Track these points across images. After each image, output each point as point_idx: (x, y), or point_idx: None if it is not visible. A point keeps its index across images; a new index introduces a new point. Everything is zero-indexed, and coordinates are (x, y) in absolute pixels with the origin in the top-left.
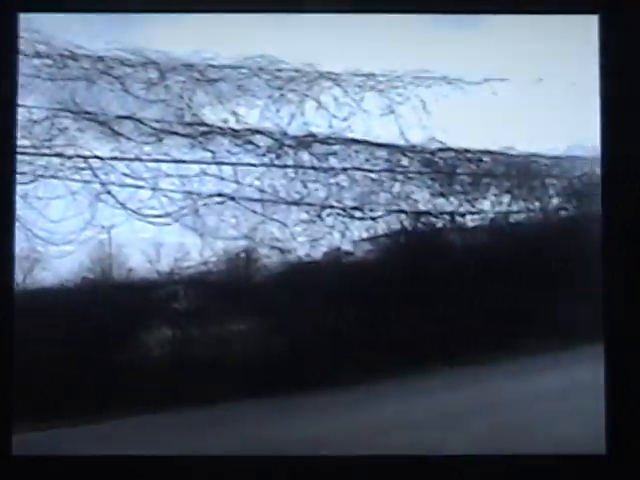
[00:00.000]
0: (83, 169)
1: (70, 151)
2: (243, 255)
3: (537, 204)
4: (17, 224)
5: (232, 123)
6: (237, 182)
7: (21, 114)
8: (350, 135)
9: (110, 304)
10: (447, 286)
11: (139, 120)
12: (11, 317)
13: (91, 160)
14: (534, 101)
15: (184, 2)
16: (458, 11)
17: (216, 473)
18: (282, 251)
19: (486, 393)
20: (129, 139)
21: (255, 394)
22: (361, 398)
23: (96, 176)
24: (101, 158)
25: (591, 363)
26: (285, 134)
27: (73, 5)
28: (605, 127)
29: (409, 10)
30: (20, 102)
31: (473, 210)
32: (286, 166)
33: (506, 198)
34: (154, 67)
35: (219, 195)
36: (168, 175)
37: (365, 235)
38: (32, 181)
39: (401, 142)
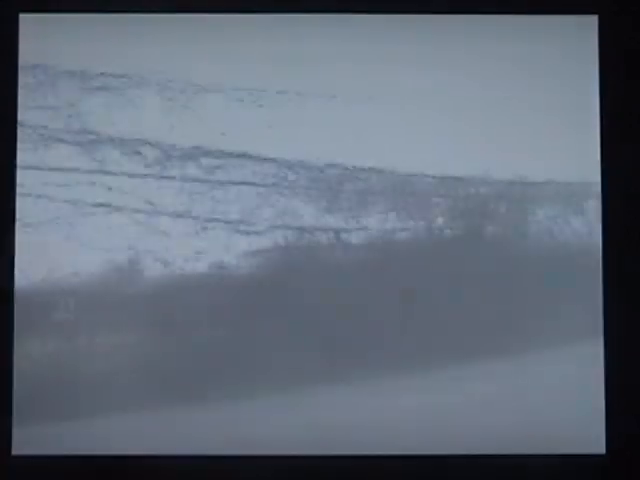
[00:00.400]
0: None
1: None
2: (126, 266)
3: (422, 223)
4: None
5: (119, 133)
6: (122, 192)
7: None
8: (237, 149)
9: None
10: (330, 300)
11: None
12: None
13: None
14: (425, 120)
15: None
16: (458, 11)
17: (216, 473)
18: (165, 264)
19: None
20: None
21: (129, 407)
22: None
23: None
24: None
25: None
26: (172, 145)
27: (73, 5)
28: (605, 127)
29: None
30: None
31: (358, 227)
32: (172, 178)
33: (392, 216)
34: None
35: (104, 205)
36: (53, 183)
37: (249, 249)
38: None
39: (288, 157)
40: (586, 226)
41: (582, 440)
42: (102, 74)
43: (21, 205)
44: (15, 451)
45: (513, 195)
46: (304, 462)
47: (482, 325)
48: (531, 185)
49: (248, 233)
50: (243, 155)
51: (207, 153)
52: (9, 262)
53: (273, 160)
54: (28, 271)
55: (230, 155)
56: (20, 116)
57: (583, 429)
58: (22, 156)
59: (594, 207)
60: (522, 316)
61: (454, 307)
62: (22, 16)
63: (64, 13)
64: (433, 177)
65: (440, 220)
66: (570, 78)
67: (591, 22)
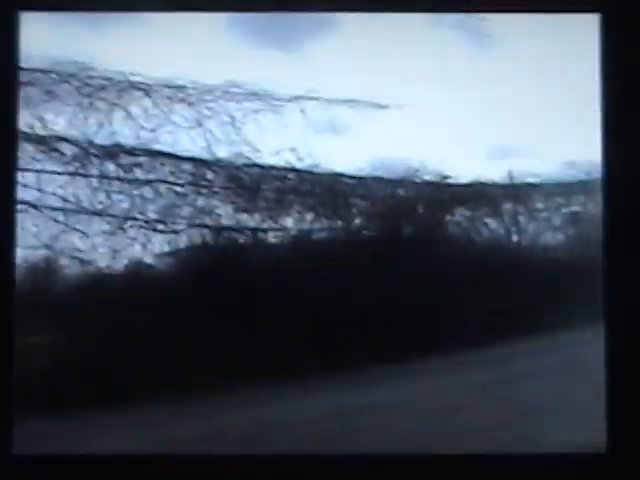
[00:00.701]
0: None
1: None
2: (43, 265)
3: (340, 223)
4: None
5: (38, 129)
6: (40, 190)
7: None
8: (157, 147)
9: None
10: (246, 299)
11: None
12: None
13: None
14: (345, 120)
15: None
16: (458, 11)
17: (216, 473)
18: (82, 262)
19: None
20: None
21: (55, 409)
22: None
23: None
24: None
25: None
26: (91, 143)
27: (73, 5)
28: (606, 127)
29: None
30: None
31: (276, 227)
32: (90, 176)
33: (309, 216)
34: None
35: (21, 202)
36: None
37: (167, 248)
38: None
39: (207, 156)
40: (503, 226)
41: (582, 440)
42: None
43: None
44: (16, 450)
45: (432, 196)
46: (304, 462)
47: (404, 324)
48: (450, 187)
49: (166, 232)
50: (162, 154)
51: (126, 151)
52: None
53: (191, 159)
54: None
55: (149, 154)
56: None
57: (583, 429)
58: None
59: (510, 209)
60: (447, 314)
61: (371, 306)
62: (22, 15)
63: (64, 12)
64: (352, 178)
65: (358, 220)
66: (571, 76)
67: (593, 20)
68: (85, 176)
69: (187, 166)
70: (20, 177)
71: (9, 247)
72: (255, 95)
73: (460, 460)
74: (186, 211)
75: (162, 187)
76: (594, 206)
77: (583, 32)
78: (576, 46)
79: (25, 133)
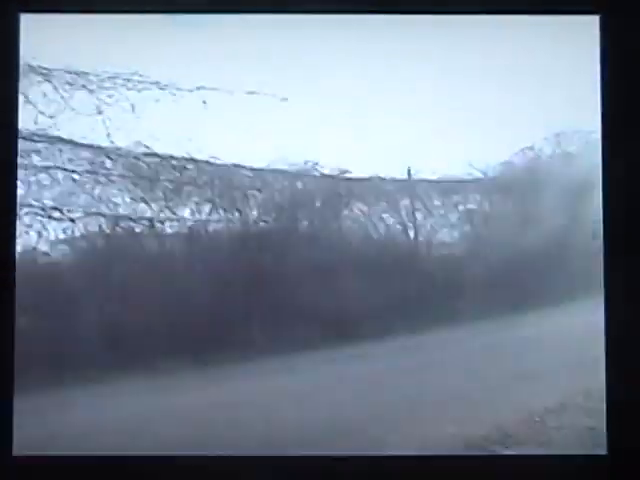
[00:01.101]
0: None
1: None
2: None
3: (237, 215)
4: None
5: None
6: None
7: None
8: (56, 133)
9: None
10: (143, 289)
11: None
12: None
13: None
14: (245, 112)
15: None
16: (459, 12)
17: (216, 473)
18: None
19: None
20: None
21: None
22: None
23: None
24: None
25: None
26: None
27: (73, 6)
28: (606, 127)
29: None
30: None
31: (173, 217)
32: None
33: (207, 207)
34: None
35: None
36: None
37: (63, 236)
38: None
39: (106, 144)
40: (399, 222)
41: (583, 440)
42: None
43: None
44: (16, 451)
45: (330, 190)
46: (303, 462)
47: (295, 316)
48: (348, 181)
49: (62, 220)
50: (60, 140)
51: (23, 137)
52: None
53: (90, 146)
54: None
55: (46, 139)
56: None
57: (584, 429)
58: None
59: (408, 205)
60: (340, 307)
61: (265, 298)
62: (22, 16)
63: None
64: (250, 170)
65: (255, 212)
66: (571, 78)
67: (592, 22)
68: None
69: (85, 153)
70: None
71: None
72: (156, 84)
73: (460, 460)
74: (83, 199)
75: (59, 174)
76: (490, 204)
77: (582, 34)
78: (575, 48)
79: None
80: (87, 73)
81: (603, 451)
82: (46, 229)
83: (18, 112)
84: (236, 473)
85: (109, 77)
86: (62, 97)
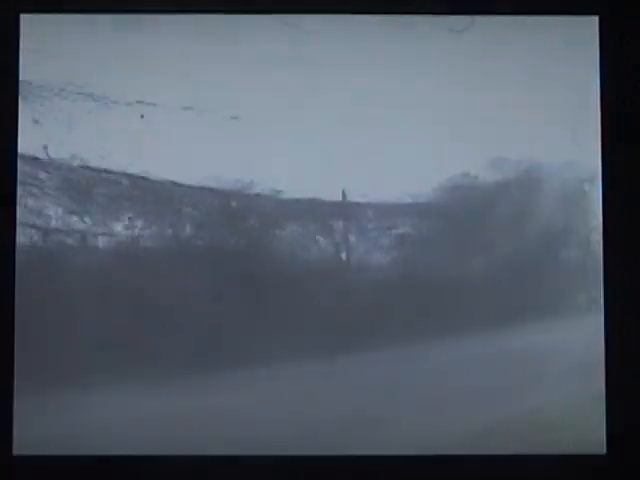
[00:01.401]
0: None
1: None
2: None
3: (170, 231)
4: None
5: None
6: None
7: None
8: None
9: None
10: (72, 304)
11: None
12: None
13: None
14: (182, 128)
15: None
16: (456, 12)
17: (216, 473)
18: None
19: None
20: None
21: None
22: None
23: None
24: None
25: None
26: None
27: (74, 6)
28: (606, 127)
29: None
30: None
31: (105, 231)
32: None
33: (140, 222)
34: None
35: None
36: None
37: None
38: None
39: (40, 155)
40: (332, 244)
41: (582, 440)
42: None
43: None
44: (16, 451)
45: (263, 209)
46: (303, 462)
47: (222, 335)
48: (282, 202)
49: None
50: None
51: None
52: None
53: (22, 156)
54: None
55: None
56: None
57: (583, 429)
58: None
59: (341, 227)
60: (264, 327)
61: (195, 317)
62: (22, 16)
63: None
64: (185, 186)
65: (188, 229)
66: (570, 79)
67: (591, 23)
68: None
69: (19, 164)
70: None
71: None
72: (92, 96)
73: (459, 460)
74: (16, 211)
75: None
76: (423, 228)
77: (581, 35)
78: (574, 49)
79: None
80: (21, 81)
81: (603, 451)
82: None
83: (19, 113)
84: (236, 473)
85: (42, 86)
86: None
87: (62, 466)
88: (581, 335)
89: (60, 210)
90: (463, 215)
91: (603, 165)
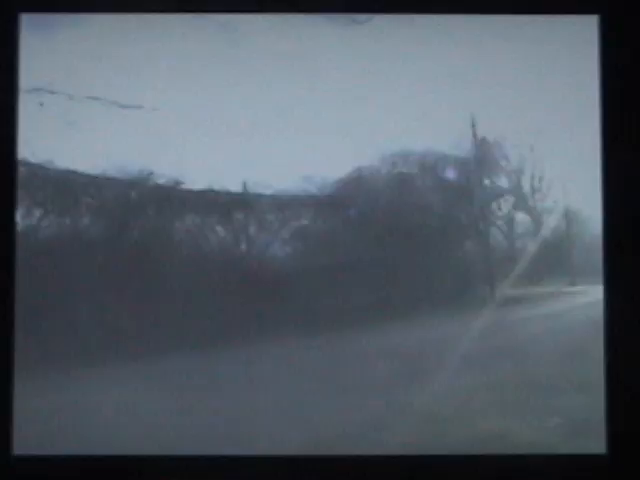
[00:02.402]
0: None
1: None
2: None
3: (68, 221)
4: None
5: None
6: None
7: None
8: None
9: None
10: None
11: None
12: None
13: None
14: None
15: None
16: (456, 12)
17: (216, 473)
18: None
19: None
20: None
21: None
22: None
23: None
24: None
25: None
26: None
27: (74, 6)
28: (605, 127)
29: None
30: None
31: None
32: None
33: (38, 211)
34: None
35: None
36: None
37: None
38: None
39: None
40: (232, 235)
41: (582, 440)
42: None
43: None
44: (16, 451)
45: (163, 200)
46: (303, 462)
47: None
48: (182, 192)
49: None
50: None
51: None
52: None
53: None
54: None
55: None
56: None
57: (584, 429)
58: None
59: (241, 219)
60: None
61: (92, 311)
62: (22, 16)
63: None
64: (84, 175)
65: (86, 219)
66: (570, 79)
67: (591, 22)
68: None
69: None
70: None
71: None
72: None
73: (460, 460)
74: None
75: None
76: (323, 221)
77: (581, 34)
78: (574, 48)
79: None
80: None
81: (603, 451)
82: None
83: (18, 115)
84: (236, 473)
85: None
86: None
87: (62, 466)
88: (581, 335)
89: None
90: (362, 209)
91: (603, 165)
